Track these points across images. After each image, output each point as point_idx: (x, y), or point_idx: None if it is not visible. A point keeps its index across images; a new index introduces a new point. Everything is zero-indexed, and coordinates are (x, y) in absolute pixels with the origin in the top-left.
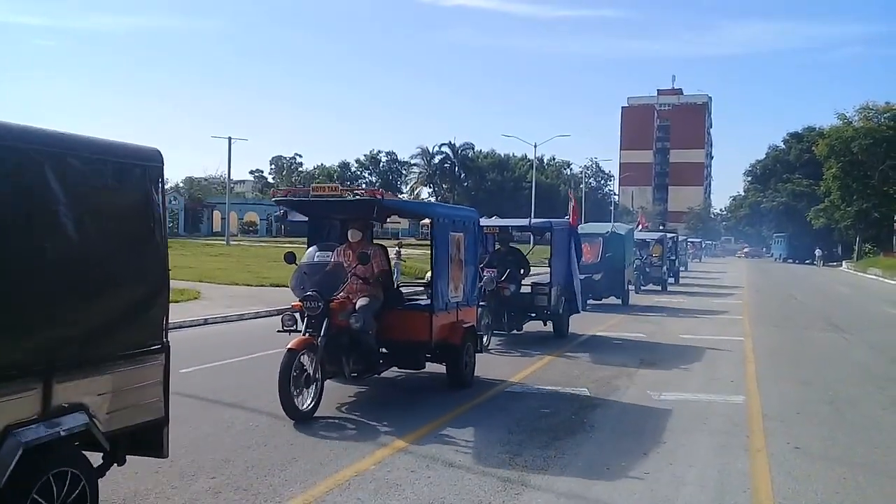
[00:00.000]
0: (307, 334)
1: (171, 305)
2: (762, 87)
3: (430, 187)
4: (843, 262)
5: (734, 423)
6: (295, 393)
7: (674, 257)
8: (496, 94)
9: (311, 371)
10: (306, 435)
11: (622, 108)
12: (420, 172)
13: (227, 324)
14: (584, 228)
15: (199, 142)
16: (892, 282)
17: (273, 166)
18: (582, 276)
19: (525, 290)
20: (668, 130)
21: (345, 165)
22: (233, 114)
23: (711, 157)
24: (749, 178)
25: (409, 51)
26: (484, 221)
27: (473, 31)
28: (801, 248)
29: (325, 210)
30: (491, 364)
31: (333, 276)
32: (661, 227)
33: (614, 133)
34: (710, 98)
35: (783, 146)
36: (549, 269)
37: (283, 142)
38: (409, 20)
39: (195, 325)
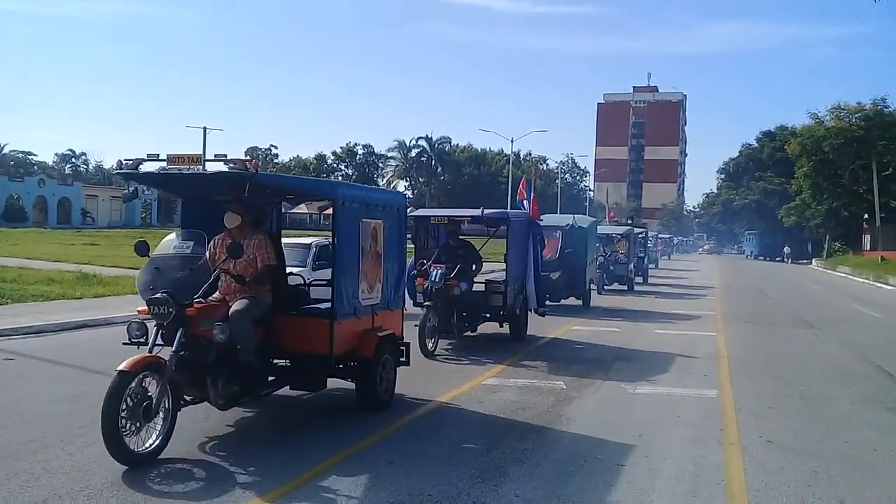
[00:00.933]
0: (152, 350)
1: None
2: (736, 86)
3: (406, 180)
4: (813, 260)
5: (708, 416)
6: (129, 429)
7: (642, 254)
8: (474, 88)
9: (155, 398)
10: (123, 494)
11: (598, 104)
12: (397, 166)
13: None
14: (542, 221)
15: (174, 132)
16: (861, 279)
17: (248, 156)
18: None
19: (479, 288)
20: (643, 127)
21: (321, 158)
22: (208, 104)
23: (685, 155)
24: (722, 176)
25: (388, 44)
26: (430, 211)
27: (452, 25)
28: (773, 245)
29: (190, 188)
30: (428, 375)
31: (199, 274)
32: (628, 221)
33: (590, 129)
34: (685, 96)
35: (756, 144)
36: (504, 265)
37: (258, 133)
38: (388, 13)
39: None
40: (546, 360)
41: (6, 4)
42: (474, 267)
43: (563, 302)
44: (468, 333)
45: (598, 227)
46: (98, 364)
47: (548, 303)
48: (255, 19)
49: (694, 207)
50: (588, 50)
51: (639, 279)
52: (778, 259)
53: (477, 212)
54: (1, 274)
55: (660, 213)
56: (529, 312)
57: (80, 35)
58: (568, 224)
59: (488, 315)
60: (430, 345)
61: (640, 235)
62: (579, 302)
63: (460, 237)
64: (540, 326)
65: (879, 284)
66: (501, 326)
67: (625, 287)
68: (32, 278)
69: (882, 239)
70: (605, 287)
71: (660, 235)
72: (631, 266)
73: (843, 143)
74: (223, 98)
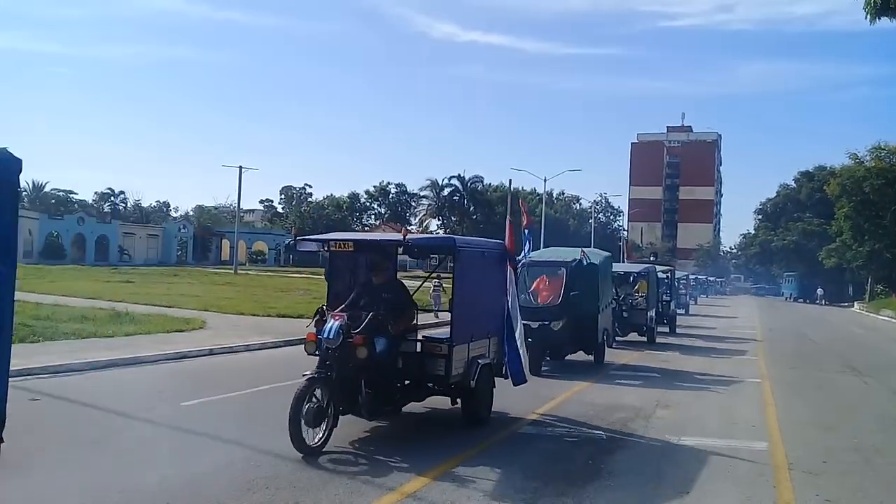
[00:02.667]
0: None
1: (176, 335)
2: (772, 127)
3: (438, 219)
4: (855, 303)
5: (759, 472)
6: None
7: (668, 298)
8: (506, 128)
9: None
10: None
11: (632, 144)
12: (429, 205)
13: (233, 354)
14: (540, 255)
15: (210, 171)
16: None
17: (283, 196)
18: (535, 324)
19: (409, 347)
20: (677, 167)
21: (354, 196)
22: (244, 144)
23: (721, 195)
24: (760, 217)
25: (421, 85)
26: (333, 236)
27: (485, 66)
28: (812, 287)
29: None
30: None
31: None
32: (651, 259)
33: (624, 169)
34: (720, 136)
35: (794, 185)
36: (450, 314)
37: (293, 172)
38: (422, 55)
39: (200, 356)
40: (503, 468)
41: (50, 46)
42: (398, 320)
43: (569, 357)
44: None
45: (614, 264)
46: (123, 406)
47: (547, 360)
48: (289, 60)
49: (731, 248)
50: (621, 90)
51: (664, 328)
52: (807, 301)
53: (398, 236)
54: (35, 311)
55: (695, 254)
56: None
57: (120, 76)
58: (574, 260)
59: (434, 386)
60: (312, 437)
61: (665, 276)
62: (590, 357)
63: (391, 274)
64: (519, 396)
65: None
66: (454, 403)
67: (644, 338)
68: (66, 315)
69: None
70: (618, 338)
71: (690, 276)
72: (651, 313)
73: (884, 183)
74: (258, 137)
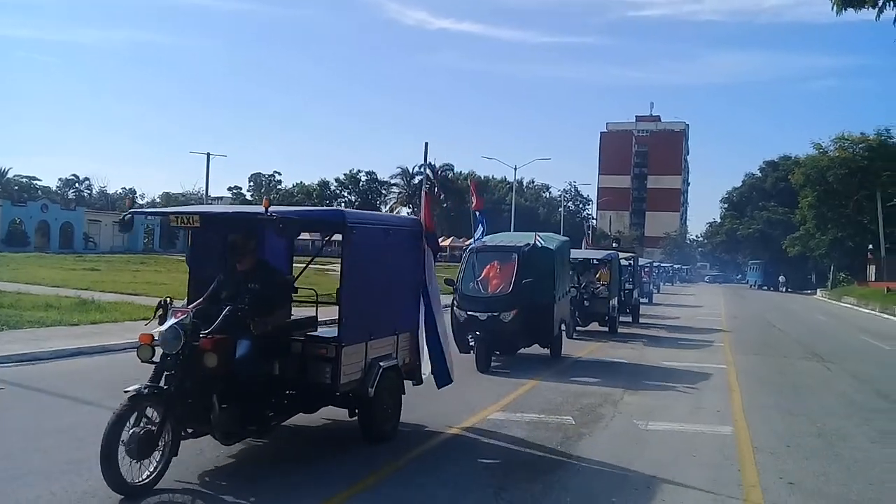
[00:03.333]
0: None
1: (143, 322)
2: (739, 116)
3: (409, 207)
4: (818, 290)
5: (724, 455)
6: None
7: (631, 286)
8: (478, 116)
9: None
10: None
11: (601, 133)
12: (400, 192)
13: None
14: (491, 240)
15: (177, 158)
16: (867, 310)
17: (252, 183)
18: (483, 316)
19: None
20: (645, 156)
21: (324, 184)
22: (212, 130)
23: (688, 184)
24: (726, 206)
25: (392, 72)
26: (183, 209)
27: (458, 54)
28: (776, 275)
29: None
30: None
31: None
32: (613, 246)
33: (593, 158)
34: (688, 125)
35: (759, 174)
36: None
37: (262, 159)
38: (393, 42)
39: None
40: None
41: (14, 31)
42: (264, 315)
43: (523, 350)
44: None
45: (574, 251)
46: (90, 394)
47: (497, 355)
48: (259, 46)
49: (697, 236)
50: (592, 79)
51: (626, 318)
52: (772, 288)
53: (258, 209)
54: None
55: (663, 242)
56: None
57: (86, 61)
58: (527, 244)
59: (321, 398)
60: (136, 472)
61: (628, 263)
62: (546, 351)
63: (257, 259)
64: (448, 401)
65: (886, 315)
66: (352, 415)
67: (605, 328)
68: (30, 304)
69: (887, 269)
70: (579, 328)
71: (655, 263)
72: (613, 301)
73: (847, 173)
74: (227, 124)
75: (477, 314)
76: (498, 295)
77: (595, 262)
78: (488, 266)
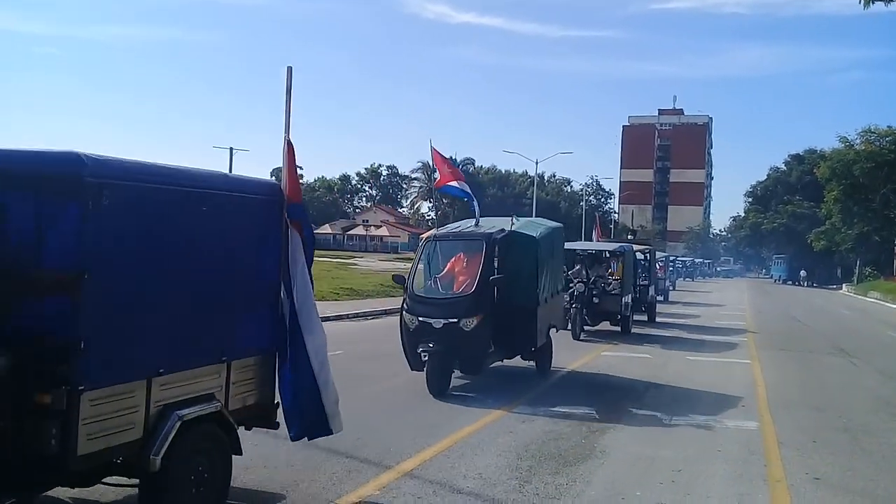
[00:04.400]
0: None
1: None
2: (763, 110)
3: (430, 201)
4: (844, 285)
5: (750, 450)
6: None
7: (646, 281)
8: (499, 110)
9: None
10: (306, 457)
11: (623, 126)
12: (420, 187)
13: None
14: (457, 226)
15: (201, 152)
16: (894, 306)
17: (273, 178)
18: (438, 324)
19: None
20: (668, 150)
21: (345, 178)
22: (235, 124)
23: (711, 178)
24: (750, 199)
25: (414, 66)
26: None
27: (479, 48)
28: (801, 269)
29: None
30: None
31: None
32: (628, 238)
33: (615, 151)
34: (711, 119)
35: (784, 168)
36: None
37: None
38: (415, 36)
39: None
40: None
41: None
42: None
43: (505, 363)
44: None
45: (579, 244)
46: None
47: (457, 376)
48: (280, 40)
49: (720, 231)
50: (614, 72)
51: (642, 316)
52: (795, 283)
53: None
54: None
55: (685, 236)
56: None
57: (106, 56)
58: (502, 230)
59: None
60: None
61: (643, 257)
62: (531, 364)
63: None
64: (357, 445)
65: None
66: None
67: (617, 328)
68: None
69: None
70: (588, 327)
71: (671, 257)
72: (627, 299)
73: (873, 166)
74: (250, 118)
75: (430, 321)
76: (457, 296)
77: (606, 254)
78: (453, 259)
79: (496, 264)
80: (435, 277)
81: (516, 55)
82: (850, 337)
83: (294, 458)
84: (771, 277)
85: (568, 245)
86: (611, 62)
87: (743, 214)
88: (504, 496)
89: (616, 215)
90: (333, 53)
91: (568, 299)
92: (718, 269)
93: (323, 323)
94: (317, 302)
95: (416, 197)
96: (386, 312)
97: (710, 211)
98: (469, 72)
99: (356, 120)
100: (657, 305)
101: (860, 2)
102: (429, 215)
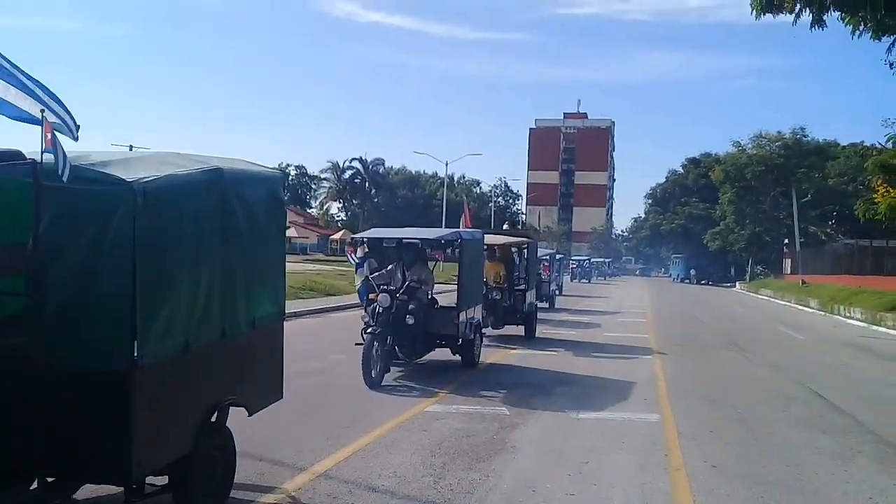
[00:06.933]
0: None
1: None
2: (663, 114)
3: (340, 202)
4: (737, 283)
5: (652, 441)
6: None
7: (524, 285)
8: (409, 111)
9: None
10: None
11: (530, 129)
12: (330, 187)
13: None
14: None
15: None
16: (783, 302)
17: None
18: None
19: None
20: (573, 153)
21: None
22: (136, 120)
23: (614, 180)
24: (650, 201)
25: (324, 64)
26: None
27: (388, 48)
28: (698, 268)
29: None
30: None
31: None
32: (503, 228)
33: (523, 153)
34: (613, 123)
35: (682, 171)
36: None
37: (191, 150)
38: (325, 33)
39: None
40: None
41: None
42: None
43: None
44: None
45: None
46: None
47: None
48: (184, 36)
49: (623, 231)
50: (522, 76)
51: (517, 331)
52: (703, 282)
53: None
54: None
55: (589, 237)
56: None
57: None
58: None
59: None
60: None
61: (515, 251)
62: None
63: None
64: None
65: (801, 307)
66: None
67: (458, 357)
68: None
69: (801, 263)
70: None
71: (557, 255)
72: (471, 314)
73: (764, 170)
74: (151, 114)
75: None
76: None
77: (430, 249)
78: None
79: None
80: None
81: (426, 56)
82: (744, 332)
83: None
84: (670, 276)
85: (372, 233)
86: (520, 65)
87: (643, 215)
88: (419, 493)
89: (524, 216)
90: (238, 48)
91: (367, 321)
92: (628, 266)
93: None
94: None
95: (325, 197)
96: (297, 315)
97: (612, 212)
98: (379, 71)
99: (264, 118)
100: (538, 314)
101: (752, 12)
102: (339, 216)
